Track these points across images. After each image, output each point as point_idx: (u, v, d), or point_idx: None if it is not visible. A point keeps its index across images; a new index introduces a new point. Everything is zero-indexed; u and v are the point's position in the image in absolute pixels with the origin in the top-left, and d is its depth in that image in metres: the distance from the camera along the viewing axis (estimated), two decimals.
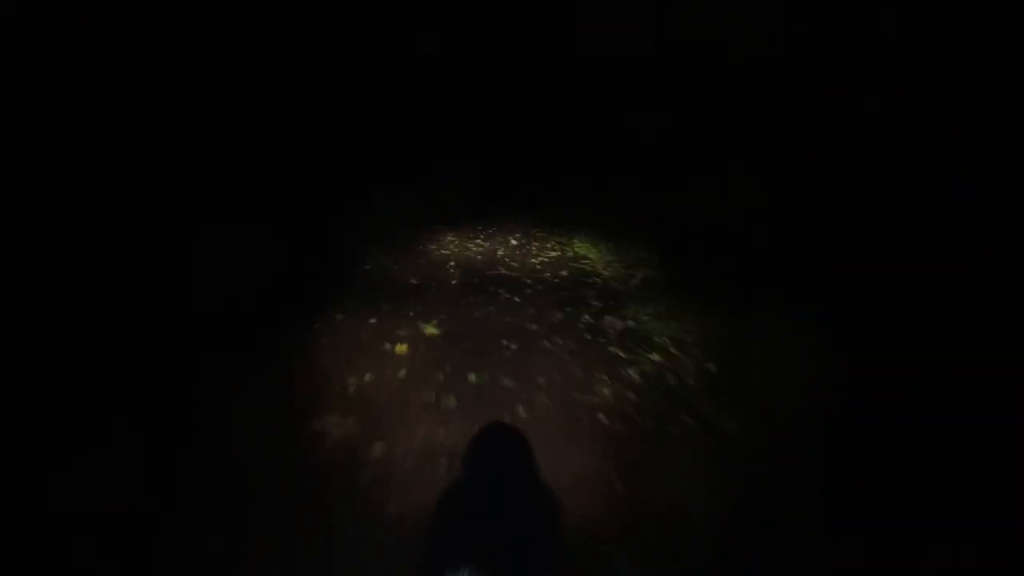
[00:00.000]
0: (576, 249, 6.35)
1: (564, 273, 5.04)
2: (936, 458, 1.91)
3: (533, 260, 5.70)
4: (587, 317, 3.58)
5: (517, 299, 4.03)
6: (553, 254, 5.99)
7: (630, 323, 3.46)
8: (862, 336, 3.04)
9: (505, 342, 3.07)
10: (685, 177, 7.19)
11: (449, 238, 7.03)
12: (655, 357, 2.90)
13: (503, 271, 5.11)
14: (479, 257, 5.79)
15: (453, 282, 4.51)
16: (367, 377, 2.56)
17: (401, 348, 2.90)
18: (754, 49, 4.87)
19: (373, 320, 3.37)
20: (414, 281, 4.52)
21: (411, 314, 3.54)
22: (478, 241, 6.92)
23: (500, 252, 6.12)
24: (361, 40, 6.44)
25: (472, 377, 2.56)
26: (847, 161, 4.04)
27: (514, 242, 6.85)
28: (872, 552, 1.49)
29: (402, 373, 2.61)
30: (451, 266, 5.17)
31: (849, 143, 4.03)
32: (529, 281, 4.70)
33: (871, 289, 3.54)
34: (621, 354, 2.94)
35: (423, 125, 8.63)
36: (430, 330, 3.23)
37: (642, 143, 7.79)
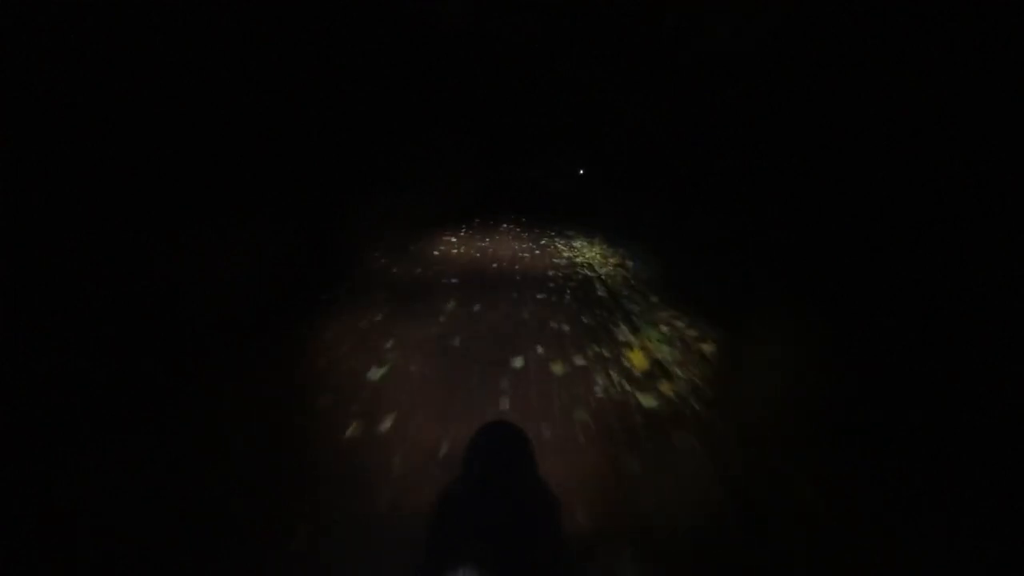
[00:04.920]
0: (576, 249, 6.36)
1: (560, 264, 5.06)
2: (937, 458, 1.92)
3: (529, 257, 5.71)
4: (586, 319, 3.58)
5: (513, 295, 4.03)
6: (556, 258, 6.01)
7: (630, 324, 3.45)
8: (863, 336, 3.04)
9: (502, 348, 3.06)
10: (684, 178, 7.20)
11: (448, 237, 7.08)
12: (656, 353, 2.90)
13: (500, 270, 5.11)
14: (477, 255, 5.82)
15: (453, 280, 4.51)
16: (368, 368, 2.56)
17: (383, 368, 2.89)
18: (755, 52, 4.89)
19: (371, 317, 3.37)
20: (413, 277, 4.52)
21: (411, 312, 3.54)
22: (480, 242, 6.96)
23: (508, 252, 6.17)
24: (362, 39, 6.43)
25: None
26: (847, 162, 4.05)
27: (524, 244, 6.87)
28: (874, 551, 1.49)
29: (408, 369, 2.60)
30: (449, 265, 5.19)
31: (849, 144, 4.04)
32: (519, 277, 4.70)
33: (872, 290, 3.54)
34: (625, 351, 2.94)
35: (423, 122, 8.63)
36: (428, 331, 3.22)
37: (643, 146, 7.80)
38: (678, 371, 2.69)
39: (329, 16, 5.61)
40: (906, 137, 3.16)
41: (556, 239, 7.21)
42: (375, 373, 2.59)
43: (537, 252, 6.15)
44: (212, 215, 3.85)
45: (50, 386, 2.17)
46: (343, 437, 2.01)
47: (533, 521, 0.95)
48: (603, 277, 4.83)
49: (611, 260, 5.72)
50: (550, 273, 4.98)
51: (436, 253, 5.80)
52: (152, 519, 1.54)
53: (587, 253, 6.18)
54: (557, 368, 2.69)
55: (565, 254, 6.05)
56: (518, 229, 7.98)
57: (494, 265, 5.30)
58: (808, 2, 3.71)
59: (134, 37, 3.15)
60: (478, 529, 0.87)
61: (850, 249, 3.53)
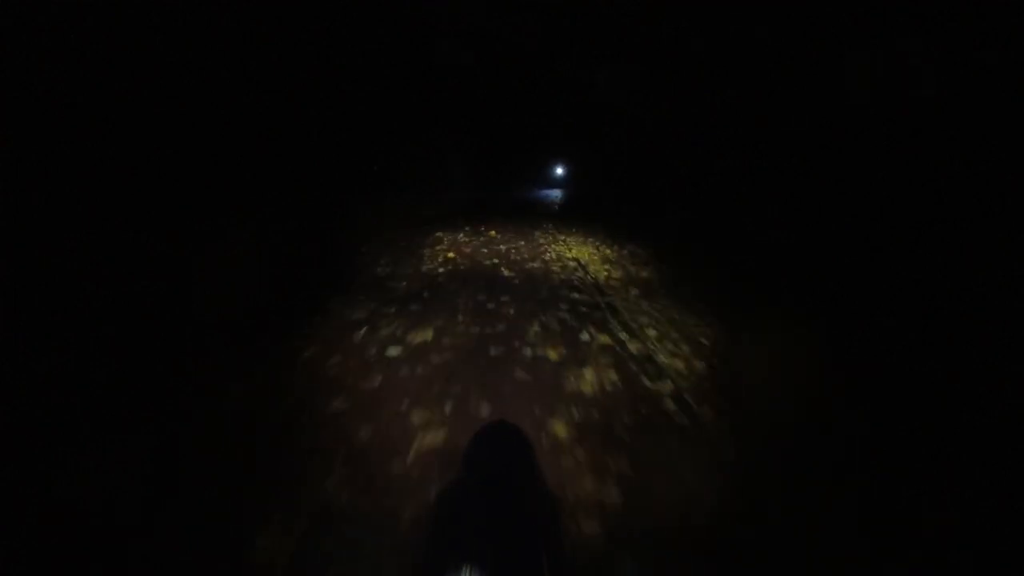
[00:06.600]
0: (572, 249, 6.31)
1: (558, 271, 5.05)
2: (936, 458, 1.92)
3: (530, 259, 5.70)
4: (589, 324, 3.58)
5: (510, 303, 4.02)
6: (552, 256, 5.99)
7: (631, 324, 3.46)
8: (861, 336, 3.05)
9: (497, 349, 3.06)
10: (686, 180, 7.19)
11: (447, 237, 7.05)
12: (658, 355, 2.90)
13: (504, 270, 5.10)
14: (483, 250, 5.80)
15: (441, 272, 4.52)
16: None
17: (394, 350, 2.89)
18: (755, 52, 4.90)
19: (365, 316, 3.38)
20: (413, 277, 4.53)
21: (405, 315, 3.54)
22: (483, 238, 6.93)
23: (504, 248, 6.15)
24: (362, 42, 6.43)
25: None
26: (847, 162, 4.05)
27: (520, 242, 6.82)
28: (874, 551, 1.49)
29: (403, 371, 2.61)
30: (448, 265, 5.18)
31: (849, 145, 4.04)
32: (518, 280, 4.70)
33: (871, 289, 3.55)
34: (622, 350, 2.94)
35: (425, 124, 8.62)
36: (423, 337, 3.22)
37: (643, 146, 7.79)
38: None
39: (329, 16, 5.61)
40: (906, 137, 3.17)
41: (557, 240, 7.17)
42: (441, 271, 2.61)
43: (533, 251, 6.12)
44: (212, 215, 3.85)
45: (50, 386, 2.17)
46: (343, 435, 2.01)
47: (533, 521, 0.95)
48: (603, 281, 4.83)
49: (613, 261, 5.70)
50: (550, 273, 4.96)
51: (434, 253, 5.75)
52: (152, 519, 1.55)
53: (584, 252, 6.17)
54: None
55: (567, 255, 6.03)
56: (516, 229, 7.94)
57: (493, 262, 5.28)
58: (808, 2, 3.71)
59: (134, 37, 3.15)
60: (478, 529, 0.87)
61: (850, 249, 3.53)
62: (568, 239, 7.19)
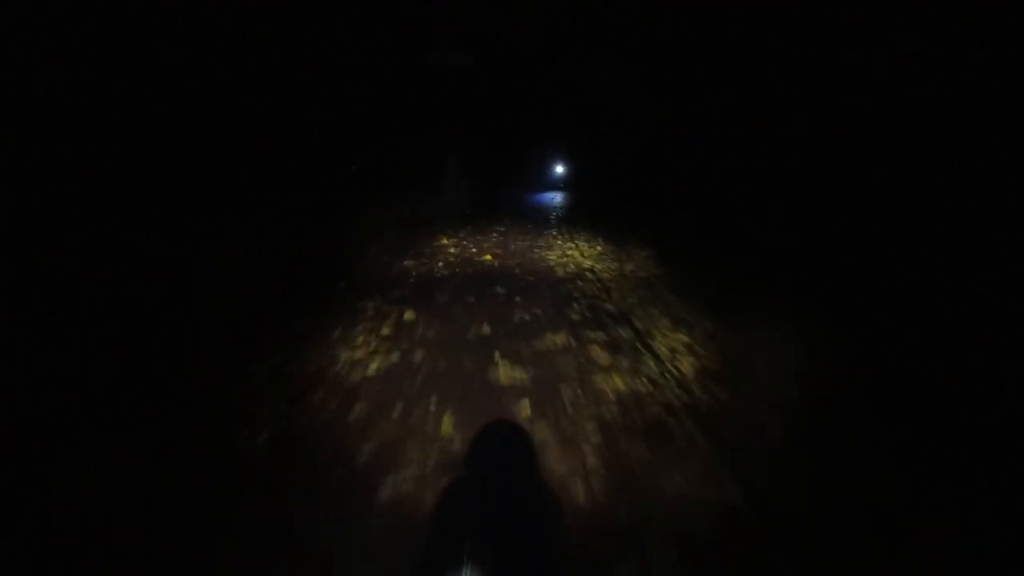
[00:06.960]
0: (612, 292, 4.31)
1: (563, 269, 5.02)
2: (936, 458, 1.92)
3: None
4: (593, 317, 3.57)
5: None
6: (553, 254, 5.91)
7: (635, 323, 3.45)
8: (861, 336, 3.05)
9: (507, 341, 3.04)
10: (684, 178, 7.18)
11: (446, 239, 6.94)
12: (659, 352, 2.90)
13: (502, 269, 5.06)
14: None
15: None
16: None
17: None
18: (755, 52, 4.91)
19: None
20: (412, 279, 4.51)
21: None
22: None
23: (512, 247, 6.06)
24: (364, 45, 6.43)
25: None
26: (847, 162, 4.06)
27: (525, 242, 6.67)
28: (876, 552, 1.49)
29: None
30: (447, 266, 5.13)
31: (849, 145, 4.05)
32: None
33: (871, 289, 3.55)
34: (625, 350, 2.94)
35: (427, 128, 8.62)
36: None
37: (643, 146, 7.78)
38: None
39: (329, 16, 5.61)
40: (906, 137, 3.16)
41: (583, 276, 6.89)
42: (371, 369, 2.59)
43: (553, 304, 5.84)
44: (212, 215, 3.85)
45: (50, 386, 2.17)
46: (342, 434, 2.01)
47: (532, 520, 0.95)
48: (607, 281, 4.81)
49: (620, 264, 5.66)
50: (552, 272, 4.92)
51: (379, 315, 3.51)
52: (153, 519, 1.55)
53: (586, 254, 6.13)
54: None
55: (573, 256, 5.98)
56: (521, 251, 6.12)
57: (482, 334, 3.33)
58: (808, 2, 3.71)
59: (134, 37, 3.15)
60: (478, 529, 0.87)
61: (850, 249, 3.53)
62: (597, 267, 4.95)
